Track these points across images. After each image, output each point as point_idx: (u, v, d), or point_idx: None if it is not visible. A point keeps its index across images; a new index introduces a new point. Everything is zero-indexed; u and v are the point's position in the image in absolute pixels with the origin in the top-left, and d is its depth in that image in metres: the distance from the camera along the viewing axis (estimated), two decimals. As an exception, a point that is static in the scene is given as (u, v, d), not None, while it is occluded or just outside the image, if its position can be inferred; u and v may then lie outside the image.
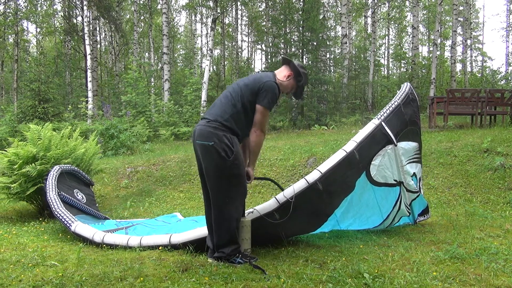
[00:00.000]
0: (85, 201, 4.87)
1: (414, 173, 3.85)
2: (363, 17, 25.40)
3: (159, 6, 24.09)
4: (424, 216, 4.11)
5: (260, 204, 3.12)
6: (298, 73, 3.10)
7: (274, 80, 2.97)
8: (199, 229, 3.22)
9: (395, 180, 3.59)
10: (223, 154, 2.77)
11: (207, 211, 3.03)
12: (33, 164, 5.07)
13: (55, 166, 4.86)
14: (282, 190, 3.36)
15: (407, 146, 3.72)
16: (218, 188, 2.85)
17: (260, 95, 2.89)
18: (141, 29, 26.45)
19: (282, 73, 3.10)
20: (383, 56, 31.31)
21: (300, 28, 14.80)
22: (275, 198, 3.02)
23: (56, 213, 4.06)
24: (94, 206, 5.08)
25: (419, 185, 3.98)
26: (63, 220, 3.96)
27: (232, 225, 2.85)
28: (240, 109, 2.89)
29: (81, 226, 3.81)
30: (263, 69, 23.20)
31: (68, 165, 5.12)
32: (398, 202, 3.71)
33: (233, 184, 2.84)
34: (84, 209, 4.66)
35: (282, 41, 16.90)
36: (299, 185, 3.02)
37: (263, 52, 23.99)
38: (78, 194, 4.88)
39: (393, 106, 3.58)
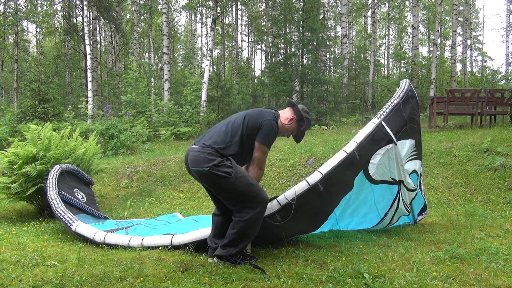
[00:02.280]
0: (85, 201, 4.87)
1: (414, 170, 3.85)
2: (363, 17, 25.41)
3: (159, 6, 24.08)
4: (423, 214, 4.12)
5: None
6: (301, 118, 3.11)
7: (275, 120, 2.98)
8: (201, 230, 3.22)
9: (392, 179, 3.57)
10: (223, 175, 2.75)
11: (216, 212, 3.05)
12: (33, 164, 5.07)
13: (56, 165, 4.86)
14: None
15: (407, 144, 3.72)
16: (237, 201, 2.84)
17: (260, 132, 2.90)
18: (141, 29, 26.46)
19: (285, 115, 3.12)
20: (383, 56, 31.34)
21: (300, 28, 14.81)
22: (277, 199, 3.02)
23: (56, 212, 4.06)
24: (94, 205, 5.08)
25: (419, 181, 3.97)
26: (63, 219, 3.96)
27: (252, 230, 2.84)
28: (238, 140, 2.89)
29: (82, 226, 3.81)
30: (263, 69, 23.22)
31: (68, 165, 5.12)
32: (396, 201, 3.70)
33: (249, 195, 2.81)
34: (84, 209, 4.66)
35: (282, 41, 16.92)
36: (300, 186, 3.02)
37: (263, 52, 24.02)
38: (78, 193, 4.88)
39: (393, 104, 3.56)
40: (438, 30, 17.44)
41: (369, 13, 22.51)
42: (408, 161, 3.77)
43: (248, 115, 2.99)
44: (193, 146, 2.92)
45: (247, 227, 2.81)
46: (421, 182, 4.07)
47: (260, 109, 3.10)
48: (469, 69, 27.03)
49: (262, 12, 24.40)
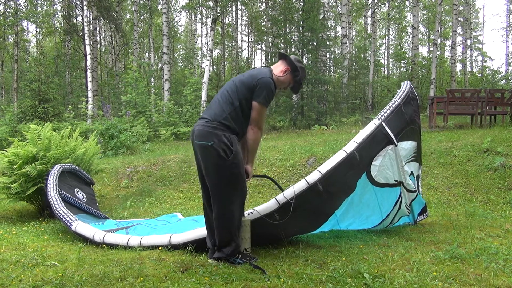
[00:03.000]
0: (85, 200, 4.87)
1: (411, 172, 3.85)
2: (363, 17, 25.41)
3: (159, 6, 24.09)
4: (423, 215, 4.12)
5: (260, 205, 3.11)
6: (295, 68, 3.07)
7: (270, 76, 2.94)
8: (199, 229, 3.22)
9: (395, 180, 3.58)
10: (222, 154, 2.76)
11: (206, 211, 3.03)
12: (33, 164, 5.07)
13: (56, 165, 4.86)
14: (280, 187, 3.36)
15: (407, 146, 3.72)
16: (218, 187, 2.84)
17: (256, 92, 2.87)
18: (141, 29, 26.45)
19: (278, 68, 3.08)
20: (383, 56, 31.34)
21: (300, 28, 14.81)
22: (275, 198, 3.02)
23: (57, 212, 4.06)
24: (94, 205, 5.08)
25: (417, 183, 3.97)
26: (63, 219, 3.96)
27: (233, 224, 2.85)
28: (237, 106, 2.87)
29: (82, 226, 3.81)
30: (263, 65, 23.16)
31: (69, 164, 5.12)
32: (399, 202, 3.71)
33: (233, 183, 2.83)
34: (84, 208, 4.66)
35: (282, 41, 16.92)
36: (299, 185, 3.01)
37: (263, 52, 24.01)
38: (78, 193, 4.88)
39: (394, 106, 3.57)
40: (438, 30, 17.44)
41: (369, 13, 22.51)
42: (407, 162, 3.77)
43: (241, 79, 2.96)
44: (198, 121, 2.93)
45: (227, 222, 2.82)
46: (420, 184, 4.07)
47: (252, 69, 3.07)
48: (469, 69, 27.04)
49: (262, 12, 24.40)
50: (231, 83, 3.00)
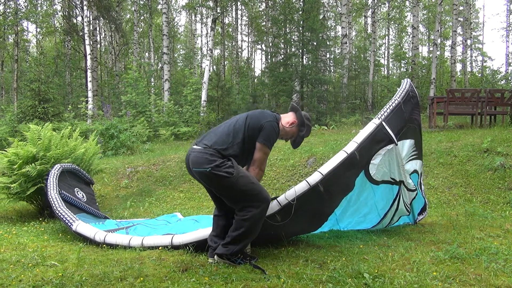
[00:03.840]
0: (85, 200, 4.87)
1: (415, 170, 3.84)
2: (363, 17, 25.41)
3: (159, 6, 24.10)
4: (423, 214, 4.12)
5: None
6: (302, 123, 3.12)
7: (276, 121, 2.99)
8: (202, 230, 3.22)
9: (393, 179, 3.57)
10: (225, 175, 2.76)
11: (217, 212, 3.06)
12: (33, 164, 5.07)
13: (56, 165, 4.86)
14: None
15: (406, 144, 3.72)
16: (238, 200, 2.84)
17: (261, 134, 2.91)
18: (141, 29, 26.46)
19: (286, 119, 3.12)
20: (383, 56, 31.35)
21: (300, 28, 14.81)
22: (277, 200, 3.02)
23: (57, 212, 4.06)
24: (94, 205, 5.08)
25: (420, 181, 3.97)
26: (64, 219, 3.96)
27: (253, 228, 2.84)
28: (240, 141, 2.90)
29: (83, 226, 3.81)
30: (263, 69, 23.23)
31: (69, 164, 5.12)
32: (397, 201, 3.70)
33: (250, 194, 2.81)
34: (84, 208, 4.66)
35: (282, 41, 16.92)
36: (301, 187, 3.01)
37: (263, 52, 24.00)
38: (78, 193, 4.88)
39: (394, 104, 3.56)
40: (438, 30, 17.44)
41: (369, 13, 22.51)
42: (408, 161, 3.76)
43: (250, 116, 3.00)
44: (194, 146, 2.93)
45: (249, 226, 2.81)
46: (422, 182, 4.07)
47: (262, 110, 3.10)
48: (469, 69, 27.04)
49: (262, 12, 24.40)
50: (240, 118, 3.01)
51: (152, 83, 21.97)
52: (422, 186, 4.10)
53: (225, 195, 2.89)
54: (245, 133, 2.92)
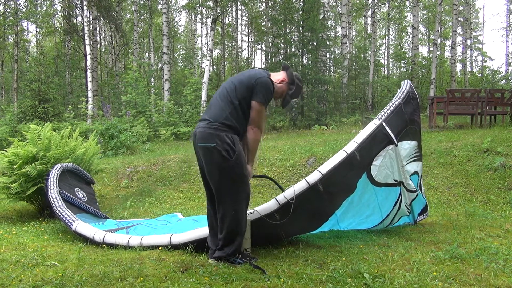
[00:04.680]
0: (86, 200, 4.87)
1: (415, 171, 3.85)
2: (363, 17, 25.40)
3: (159, 6, 24.10)
4: (423, 215, 4.12)
5: (260, 205, 3.11)
6: (292, 81, 3.08)
7: (268, 76, 2.96)
8: (200, 229, 3.22)
9: (395, 180, 3.58)
10: (225, 155, 2.76)
11: (209, 211, 3.03)
12: (33, 164, 5.07)
13: (57, 164, 4.85)
14: (281, 187, 3.36)
15: (407, 145, 3.72)
16: (222, 188, 2.84)
17: (255, 91, 2.87)
18: (141, 29, 26.45)
19: (276, 76, 3.08)
20: (383, 56, 31.33)
21: (300, 28, 14.81)
22: (276, 199, 3.02)
23: (57, 212, 4.06)
24: (94, 204, 5.08)
25: (420, 183, 3.97)
26: (64, 219, 3.96)
27: (238, 224, 2.84)
28: (237, 106, 2.87)
29: (82, 225, 3.81)
30: (261, 67, 23.18)
31: (69, 164, 5.12)
32: (398, 202, 3.71)
33: (237, 184, 2.83)
34: (85, 208, 4.66)
35: (282, 41, 16.91)
36: (300, 186, 3.01)
37: (263, 52, 23.98)
38: (79, 192, 4.88)
39: (394, 105, 3.56)
40: (438, 30, 17.43)
41: (369, 13, 22.50)
42: (409, 162, 3.76)
43: (239, 79, 2.96)
44: (199, 123, 2.93)
45: (230, 223, 2.81)
46: (421, 183, 4.07)
47: (250, 70, 3.07)
48: (469, 69, 27.03)
49: (262, 12, 24.40)
50: (230, 83, 2.99)
51: (152, 83, 21.96)
52: (422, 188, 4.10)
53: (215, 177, 2.85)
54: (240, 96, 2.88)
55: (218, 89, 3.07)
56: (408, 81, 3.89)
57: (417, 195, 3.86)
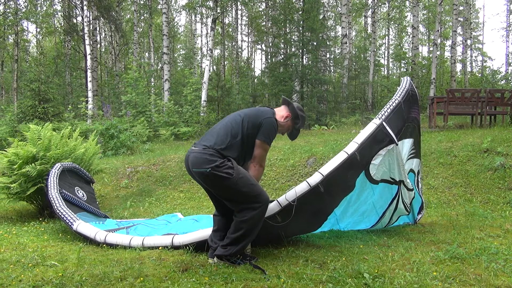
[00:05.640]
0: (85, 199, 4.87)
1: (411, 169, 3.84)
2: (363, 17, 25.40)
3: (159, 6, 24.09)
4: (421, 213, 4.12)
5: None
6: (296, 116, 3.13)
7: (273, 117, 2.99)
8: (202, 231, 3.22)
9: (392, 178, 3.56)
10: (224, 175, 2.75)
11: (217, 213, 3.05)
12: (33, 164, 5.07)
13: (57, 164, 4.85)
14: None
15: (406, 143, 3.72)
16: (238, 201, 2.84)
17: (260, 131, 2.91)
18: (141, 29, 26.45)
19: (280, 113, 3.11)
20: (383, 56, 31.33)
21: (300, 28, 14.82)
22: (277, 201, 3.02)
23: (57, 211, 4.06)
24: (94, 204, 5.09)
25: (417, 179, 3.96)
26: (64, 218, 3.96)
27: (252, 230, 2.84)
28: (239, 140, 2.89)
29: (83, 225, 3.81)
30: (263, 69, 23.23)
31: (69, 163, 5.12)
32: (395, 200, 3.69)
33: (250, 195, 2.81)
34: (85, 207, 4.66)
35: (282, 41, 16.92)
36: (301, 187, 3.01)
37: (263, 52, 24.00)
38: (79, 192, 4.88)
39: (394, 104, 3.55)
40: (438, 30, 17.44)
41: (369, 13, 22.51)
42: (407, 160, 3.77)
43: (247, 115, 2.99)
44: (193, 147, 2.92)
45: (248, 227, 2.81)
46: (419, 180, 4.06)
47: (257, 108, 3.10)
48: (469, 69, 27.04)
49: (262, 12, 24.41)
50: (237, 117, 3.00)
51: (152, 83, 21.96)
52: (420, 185, 4.09)
53: (224, 197, 2.88)
54: (244, 132, 2.91)
55: (221, 120, 3.09)
56: (408, 78, 3.86)
57: (415, 194, 3.85)
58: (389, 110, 3.48)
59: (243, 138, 2.91)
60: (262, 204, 2.83)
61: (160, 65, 24.35)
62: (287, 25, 16.46)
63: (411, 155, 3.85)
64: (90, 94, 14.72)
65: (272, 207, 3.00)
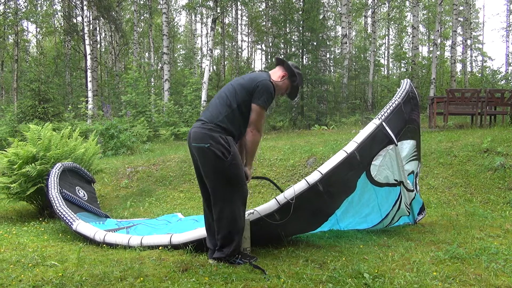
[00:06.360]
0: (86, 199, 4.87)
1: (412, 171, 3.85)
2: (363, 17, 25.40)
3: (159, 6, 24.08)
4: (422, 214, 4.12)
5: (260, 205, 3.11)
6: (292, 73, 3.08)
7: (269, 79, 2.96)
8: (200, 229, 3.22)
9: (395, 180, 3.58)
10: (220, 155, 2.76)
11: (206, 213, 3.03)
12: (33, 164, 5.07)
13: (57, 163, 4.85)
14: (280, 189, 3.36)
15: (406, 145, 3.72)
16: (218, 189, 2.84)
17: (255, 94, 2.87)
18: (141, 29, 26.45)
19: (276, 74, 3.09)
20: (383, 56, 31.33)
21: (300, 28, 14.81)
22: (276, 199, 3.02)
23: (57, 211, 4.06)
24: (95, 203, 5.09)
25: (415, 181, 3.97)
26: (64, 218, 3.96)
27: (235, 225, 2.84)
28: (235, 109, 2.87)
29: (83, 225, 3.81)
30: (262, 69, 23.21)
31: (70, 162, 5.12)
32: (398, 202, 3.71)
33: (233, 184, 2.83)
34: (85, 207, 4.66)
35: (282, 41, 16.92)
36: (300, 186, 3.01)
37: (263, 52, 24.01)
38: (79, 191, 4.88)
39: (394, 105, 3.56)
40: (438, 30, 17.44)
41: (369, 13, 22.51)
42: (408, 161, 3.77)
43: (240, 82, 2.96)
44: (195, 123, 2.94)
45: (228, 224, 2.81)
46: (417, 182, 4.07)
47: (251, 73, 3.07)
48: (469, 69, 27.04)
49: (262, 12, 24.41)
50: (230, 86, 3.00)
51: (152, 83, 21.96)
52: (418, 187, 4.10)
53: (210, 177, 2.85)
54: (239, 99, 2.88)
55: (217, 92, 3.07)
56: (408, 80, 3.89)
57: (415, 195, 3.86)
58: (389, 111, 3.49)
59: (239, 106, 2.88)
60: (240, 198, 2.84)
61: (160, 65, 24.35)
62: (287, 25, 16.45)
63: (413, 157, 3.85)
64: (90, 94, 14.72)
65: (271, 206, 3.00)
